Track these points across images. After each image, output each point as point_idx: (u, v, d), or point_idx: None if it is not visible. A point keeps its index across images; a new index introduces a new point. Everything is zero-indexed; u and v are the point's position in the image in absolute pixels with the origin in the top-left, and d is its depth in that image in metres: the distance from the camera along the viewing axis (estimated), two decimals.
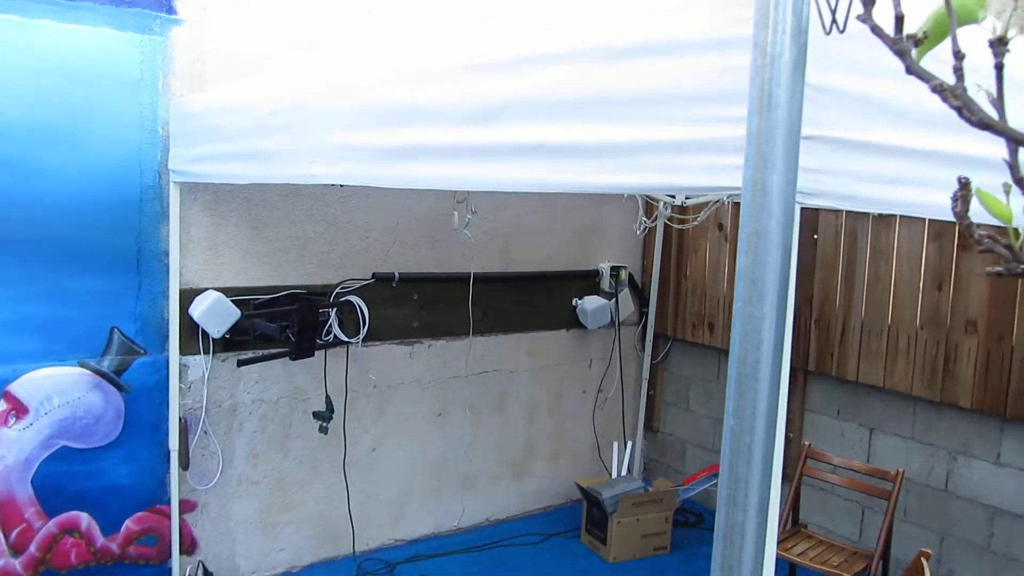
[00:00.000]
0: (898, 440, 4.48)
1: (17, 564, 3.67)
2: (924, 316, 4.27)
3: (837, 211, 4.62)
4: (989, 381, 4.02)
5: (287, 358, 4.13)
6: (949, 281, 4.17)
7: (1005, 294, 3.94)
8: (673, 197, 4.57)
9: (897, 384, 4.38)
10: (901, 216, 4.33)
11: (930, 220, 4.21)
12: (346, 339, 4.31)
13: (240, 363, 4.06)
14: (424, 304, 4.69)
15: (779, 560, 4.02)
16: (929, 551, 3.06)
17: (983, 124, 0.82)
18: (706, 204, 4.90)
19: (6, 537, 3.63)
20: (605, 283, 5.42)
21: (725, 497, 1.51)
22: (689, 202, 4.66)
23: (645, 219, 4.87)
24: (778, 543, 4.04)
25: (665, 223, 5.34)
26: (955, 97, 0.82)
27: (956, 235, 4.12)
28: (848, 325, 4.59)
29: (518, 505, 5.28)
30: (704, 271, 5.41)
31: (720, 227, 5.27)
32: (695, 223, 4.99)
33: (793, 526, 4.25)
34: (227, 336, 3.99)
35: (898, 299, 4.38)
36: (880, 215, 4.39)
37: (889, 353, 4.42)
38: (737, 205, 5.11)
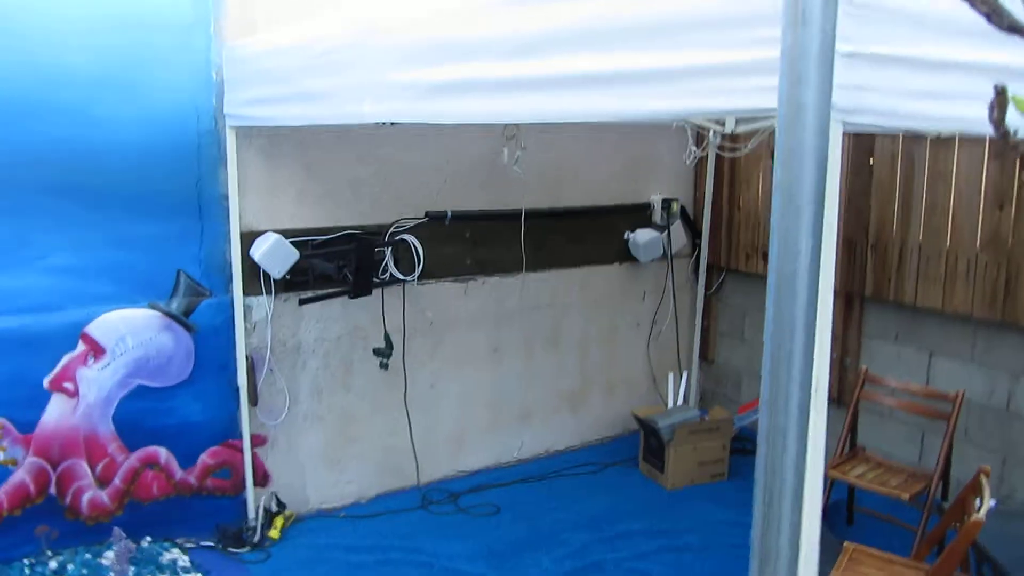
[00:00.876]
0: (958, 363, 4.43)
1: (104, 495, 3.89)
2: (984, 238, 4.19)
3: (893, 136, 4.52)
4: None
5: (346, 297, 4.23)
6: (1011, 201, 4.07)
7: None
8: (722, 125, 4.51)
9: (957, 307, 4.32)
10: (960, 137, 4.23)
11: (990, 140, 4.11)
12: (402, 277, 4.40)
13: (301, 302, 4.18)
14: (477, 241, 4.74)
15: (837, 483, 4.06)
16: (988, 468, 3.05)
17: (1012, 28, 0.82)
18: (756, 132, 4.83)
19: (92, 470, 3.84)
20: (657, 216, 5.40)
21: (767, 399, 1.55)
22: (740, 129, 4.59)
23: (695, 149, 4.82)
24: (835, 466, 4.07)
25: (716, 153, 5.29)
26: (984, 3, 0.82)
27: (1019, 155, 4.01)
28: (906, 250, 4.52)
29: (575, 436, 5.38)
30: (757, 200, 5.35)
31: (772, 155, 5.18)
32: (745, 151, 4.93)
33: (851, 450, 4.26)
34: (287, 277, 4.10)
35: (957, 222, 4.30)
36: (939, 137, 4.28)
37: (948, 276, 4.35)
38: None
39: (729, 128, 4.49)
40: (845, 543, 3.37)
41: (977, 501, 2.91)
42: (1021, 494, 4.19)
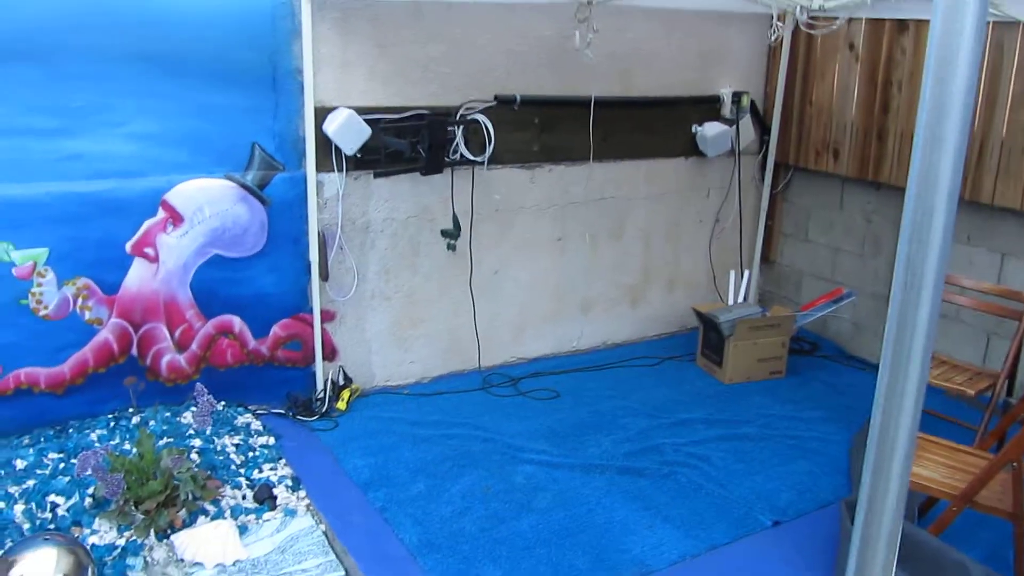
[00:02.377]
0: None
1: (182, 359, 4.04)
2: None
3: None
4: None
5: (415, 176, 4.26)
6: None
7: None
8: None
9: None
10: None
11: None
12: (472, 158, 4.40)
13: (376, 175, 4.20)
14: (544, 128, 4.70)
15: None
16: None
17: None
18: (834, 20, 4.67)
19: (171, 335, 3.99)
20: (726, 109, 5.29)
21: (898, 307, 1.50)
22: (829, 3, 4.41)
23: (779, 23, 4.68)
24: None
25: (801, 28, 5.10)
26: None
27: None
28: (986, 145, 4.38)
29: (634, 330, 5.42)
30: (832, 95, 5.20)
31: (851, 47, 5.02)
32: (830, 30, 4.77)
33: None
34: (358, 155, 4.12)
35: None
36: None
37: None
38: (870, 22, 4.85)
39: (817, 3, 4.33)
40: None
41: None
42: None
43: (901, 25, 4.73)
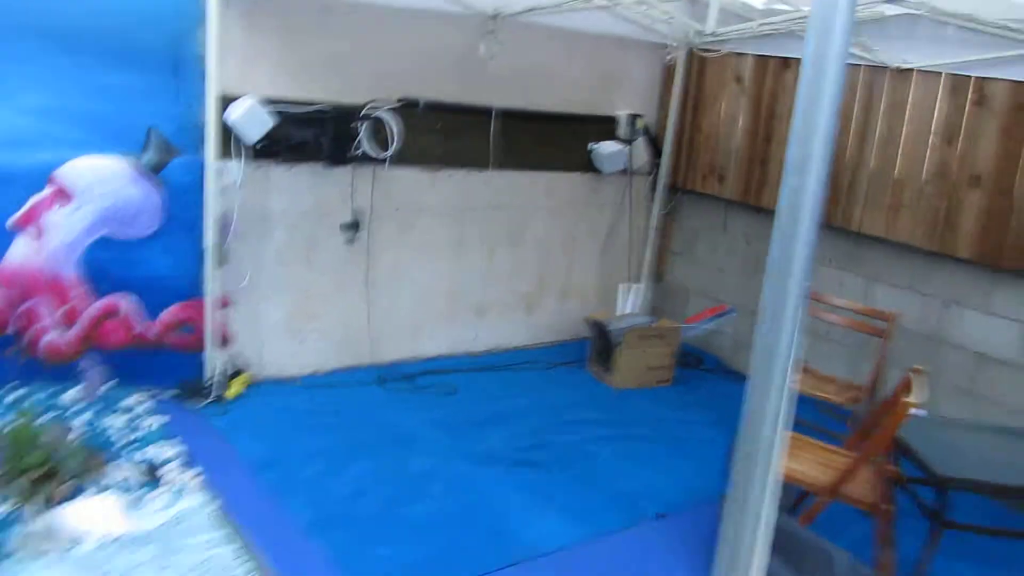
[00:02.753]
0: (895, 290, 4.71)
1: (65, 339, 3.88)
2: (931, 170, 4.43)
3: (856, 65, 4.70)
4: (988, 234, 4.22)
5: (316, 168, 4.28)
6: (959, 137, 4.31)
7: (1013, 149, 4.09)
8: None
9: (899, 235, 4.58)
10: (918, 71, 4.43)
11: (945, 75, 4.33)
12: (374, 155, 4.43)
13: (279, 162, 4.19)
14: (448, 133, 4.79)
15: None
16: (920, 367, 3.29)
17: None
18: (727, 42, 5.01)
19: (55, 314, 3.83)
20: (622, 130, 5.52)
21: (769, 301, 1.65)
22: (721, 29, 4.72)
23: (674, 45, 4.99)
24: None
25: (684, 75, 5.42)
26: None
27: (970, 91, 4.24)
28: (857, 177, 4.75)
29: (528, 336, 5.54)
30: (720, 124, 5.52)
31: (738, 80, 5.35)
32: (721, 53, 5.10)
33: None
34: (259, 146, 4.10)
35: (908, 153, 4.53)
36: (899, 69, 4.49)
37: (894, 205, 4.60)
38: (756, 59, 5.19)
39: (709, 28, 4.61)
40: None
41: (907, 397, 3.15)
42: (945, 413, 4.49)
43: (785, 62, 5.09)
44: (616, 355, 4.95)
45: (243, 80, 4.06)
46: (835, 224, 4.86)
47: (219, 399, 4.13)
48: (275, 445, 3.77)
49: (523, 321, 5.50)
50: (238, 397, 4.20)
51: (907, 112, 4.51)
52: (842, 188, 4.81)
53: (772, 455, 1.57)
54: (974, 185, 4.25)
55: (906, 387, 3.23)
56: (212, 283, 4.13)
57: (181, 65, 3.90)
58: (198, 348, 4.22)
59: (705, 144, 5.64)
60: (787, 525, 3.16)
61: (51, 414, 3.60)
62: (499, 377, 4.95)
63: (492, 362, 5.16)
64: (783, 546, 3.09)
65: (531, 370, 5.12)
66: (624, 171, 5.59)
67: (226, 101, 3.99)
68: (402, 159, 4.62)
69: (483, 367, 5.05)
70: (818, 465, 3.35)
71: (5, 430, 3.20)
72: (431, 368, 4.92)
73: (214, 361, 4.23)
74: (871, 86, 4.65)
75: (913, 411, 3.68)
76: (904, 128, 4.53)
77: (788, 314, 1.52)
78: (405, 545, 3.13)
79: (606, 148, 5.40)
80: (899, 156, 4.57)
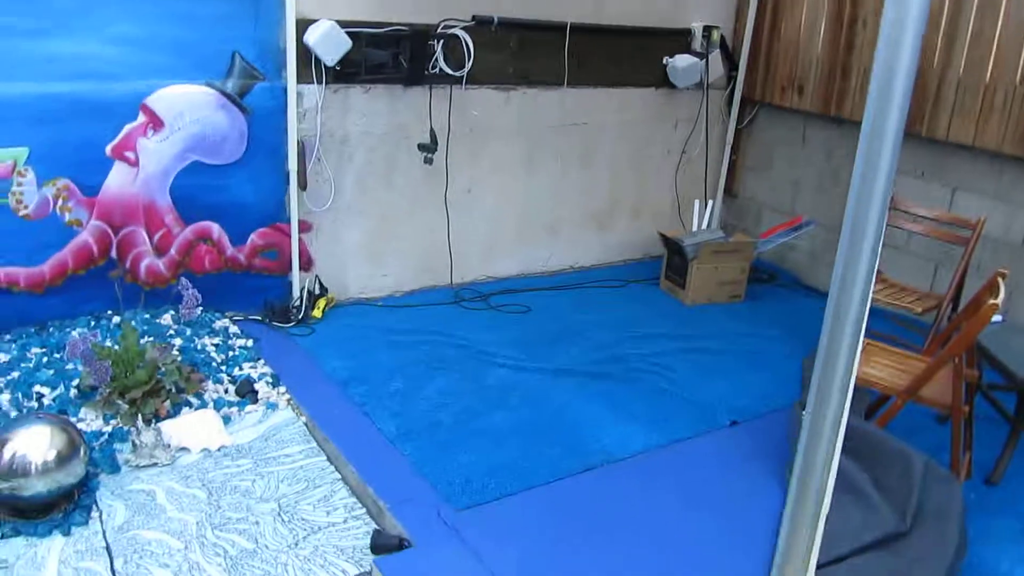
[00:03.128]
0: (980, 198, 4.58)
1: (161, 264, 4.11)
2: None
3: None
4: None
5: (397, 88, 4.35)
6: None
7: None
8: None
9: (988, 142, 4.42)
10: None
11: None
12: (452, 72, 4.48)
13: (357, 83, 4.27)
14: (520, 51, 4.78)
15: None
16: (1006, 270, 3.24)
17: None
18: None
19: (150, 239, 4.05)
20: (697, 43, 5.42)
21: (851, 222, 1.66)
22: None
23: None
24: None
25: None
26: None
27: None
28: (944, 83, 4.58)
29: (600, 255, 5.59)
30: (799, 32, 5.35)
31: None
32: None
33: None
34: (337, 68, 4.18)
35: (1000, 53, 4.34)
36: None
37: (983, 110, 4.43)
38: None
39: None
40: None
41: (991, 300, 3.11)
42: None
43: None
44: (689, 270, 4.96)
45: (320, 3, 4.11)
46: (919, 133, 4.72)
47: (304, 320, 4.32)
48: (358, 363, 3.94)
49: (596, 240, 5.54)
50: (322, 318, 4.38)
51: (1002, 7, 4.30)
52: (928, 95, 4.65)
53: (852, 363, 1.62)
54: None
55: (991, 289, 3.19)
56: (295, 206, 4.28)
57: None
58: (283, 271, 4.40)
59: (784, 55, 5.48)
60: (863, 428, 3.20)
61: (150, 337, 3.83)
62: (572, 295, 5.03)
63: (565, 281, 5.24)
64: (859, 449, 3.14)
65: (604, 288, 5.19)
66: (699, 85, 5.50)
67: (304, 24, 4.06)
68: (476, 79, 4.65)
69: (556, 286, 5.13)
70: (895, 370, 3.36)
71: (113, 348, 3.43)
72: (506, 288, 5.03)
73: (299, 284, 4.41)
74: None
75: (993, 317, 3.64)
76: (999, 26, 4.32)
77: (872, 224, 1.54)
78: (485, 452, 3.28)
79: (680, 62, 5.31)
80: (992, 57, 4.38)
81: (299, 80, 4.12)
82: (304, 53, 4.09)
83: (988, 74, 4.39)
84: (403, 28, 4.31)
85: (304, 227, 4.40)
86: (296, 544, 2.75)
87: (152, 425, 3.25)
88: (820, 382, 1.81)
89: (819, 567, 2.69)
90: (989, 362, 3.38)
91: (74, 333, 3.82)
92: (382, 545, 2.72)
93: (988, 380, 3.69)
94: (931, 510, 2.88)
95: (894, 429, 3.20)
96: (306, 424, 3.46)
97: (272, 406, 3.55)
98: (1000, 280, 3.18)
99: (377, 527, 2.85)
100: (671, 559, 2.74)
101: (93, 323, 3.96)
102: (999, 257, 4.48)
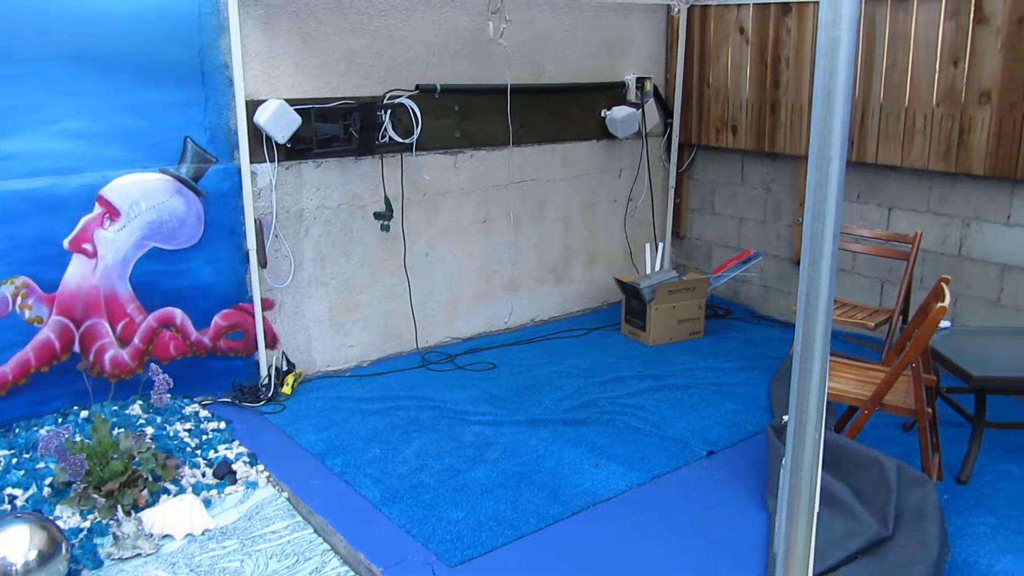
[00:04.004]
0: (914, 215, 4.80)
1: (125, 354, 4.09)
2: (940, 93, 4.52)
3: None
4: (1001, 147, 4.30)
5: (348, 160, 4.45)
6: (964, 57, 4.39)
7: (1018, 63, 4.17)
8: None
9: (914, 161, 4.67)
10: None
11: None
12: (400, 140, 4.59)
13: (312, 156, 4.36)
14: (465, 115, 4.94)
15: None
16: (949, 277, 3.40)
17: None
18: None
19: (113, 330, 4.03)
20: (631, 94, 5.64)
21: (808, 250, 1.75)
22: None
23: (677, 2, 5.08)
24: None
25: (686, 33, 5.52)
26: None
27: (972, 10, 4.31)
28: (868, 110, 4.84)
29: (559, 307, 5.69)
30: (726, 77, 5.61)
31: (741, 30, 5.44)
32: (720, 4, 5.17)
33: None
34: (289, 145, 4.27)
35: (915, 80, 4.62)
36: None
37: (906, 133, 4.69)
38: (757, 7, 5.28)
39: None
40: None
41: (938, 304, 3.27)
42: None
43: (785, 7, 5.18)
44: (648, 312, 5.08)
45: (268, 84, 4.22)
46: (851, 159, 4.96)
47: (274, 398, 4.32)
48: (334, 434, 3.94)
49: (554, 292, 5.64)
50: (292, 394, 4.38)
51: (911, 39, 4.59)
52: (855, 122, 4.90)
53: (823, 382, 1.69)
54: (984, 102, 4.34)
55: (937, 295, 3.35)
56: (257, 285, 4.31)
57: (207, 75, 4.06)
58: (249, 351, 4.41)
59: (715, 98, 5.74)
60: (835, 440, 3.30)
61: (120, 428, 3.78)
62: (537, 347, 5.10)
63: (528, 335, 5.32)
64: (835, 461, 3.24)
65: (566, 338, 5.28)
66: (638, 134, 5.70)
67: (254, 105, 4.16)
68: (424, 145, 4.77)
69: (520, 340, 5.21)
70: (858, 382, 3.48)
71: (86, 441, 3.39)
72: (471, 347, 5.08)
73: (266, 362, 4.41)
74: (873, 19, 4.73)
75: (941, 323, 3.81)
76: (910, 56, 4.61)
77: (827, 248, 1.63)
78: (472, 507, 3.29)
79: (618, 113, 5.52)
80: (908, 84, 4.66)
81: (252, 160, 4.20)
82: (255, 133, 4.18)
83: (907, 100, 4.66)
84: (351, 101, 4.43)
85: (267, 304, 4.42)
86: None
87: (132, 515, 3.20)
88: (798, 392, 1.87)
89: None
90: (945, 366, 3.52)
91: (43, 431, 3.75)
92: None
93: (946, 384, 3.84)
94: (910, 512, 2.97)
95: (863, 442, 3.31)
96: (288, 499, 3.43)
97: (252, 485, 3.53)
98: (944, 285, 3.34)
99: None
100: None
101: (60, 420, 3.90)
102: (939, 269, 4.68)
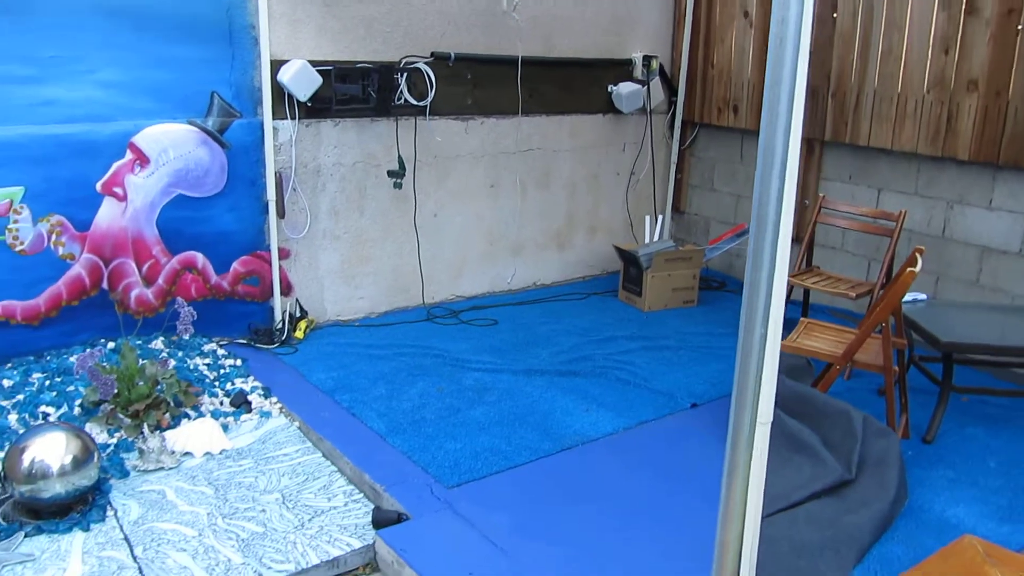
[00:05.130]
0: (902, 196, 5.03)
1: (149, 293, 4.35)
2: (931, 80, 4.73)
3: None
4: (986, 133, 4.52)
5: (365, 121, 4.69)
6: (955, 46, 4.61)
7: (1005, 54, 4.38)
8: None
9: (904, 145, 4.90)
10: None
11: None
12: (415, 102, 4.83)
13: (331, 115, 4.61)
14: (477, 83, 5.17)
15: (795, 287, 4.68)
16: (923, 248, 3.64)
17: None
18: None
19: (139, 270, 4.29)
20: (638, 71, 5.86)
21: (756, 221, 1.92)
22: None
23: None
24: (794, 276, 4.68)
25: (692, 15, 5.73)
26: None
27: (964, 1, 4.52)
28: (862, 95, 5.06)
29: (561, 272, 5.94)
30: (730, 58, 5.83)
31: (746, 14, 5.66)
32: None
33: (807, 267, 4.88)
34: (309, 104, 4.51)
35: (908, 67, 4.83)
36: None
37: (898, 117, 4.91)
38: None
39: None
40: (800, 319, 3.99)
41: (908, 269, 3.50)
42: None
43: None
44: (644, 279, 5.33)
45: (291, 45, 4.46)
46: (845, 141, 5.19)
47: (287, 342, 4.58)
48: (343, 374, 4.20)
49: (556, 258, 5.89)
50: (304, 339, 4.64)
51: (906, 28, 4.80)
52: (849, 106, 5.12)
53: (765, 351, 1.84)
54: (972, 90, 4.55)
55: (911, 262, 3.58)
56: (275, 234, 4.57)
57: (235, 34, 4.30)
58: (265, 297, 4.67)
59: (718, 78, 5.96)
60: (809, 393, 3.56)
61: (145, 358, 4.05)
62: (537, 308, 5.36)
63: (530, 297, 5.58)
64: (807, 412, 3.50)
65: (566, 301, 5.54)
66: (643, 110, 5.93)
67: (278, 65, 4.40)
68: (437, 110, 5.01)
69: (522, 301, 5.47)
70: (833, 342, 3.73)
71: (115, 365, 3.66)
72: (474, 305, 5.34)
73: (280, 308, 4.68)
74: (871, 7, 4.95)
75: (917, 295, 4.06)
76: (904, 43, 4.83)
77: (771, 215, 1.80)
78: (469, 440, 3.56)
79: (624, 89, 5.74)
80: (901, 71, 4.87)
81: (274, 116, 4.44)
82: (278, 91, 4.42)
83: (899, 85, 4.88)
84: (369, 64, 4.67)
85: (283, 254, 4.67)
86: (302, 526, 2.99)
87: (156, 433, 3.47)
88: (740, 375, 1.93)
89: (774, 513, 3.01)
90: (918, 332, 3.76)
91: (72, 359, 4.03)
92: (382, 520, 2.98)
93: (920, 353, 4.09)
94: (873, 459, 3.23)
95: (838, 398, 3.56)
96: (299, 427, 3.70)
97: (266, 414, 3.80)
98: (918, 255, 3.57)
99: (376, 506, 3.10)
100: (645, 518, 3.04)
101: (88, 351, 4.16)
102: (923, 247, 4.90)
